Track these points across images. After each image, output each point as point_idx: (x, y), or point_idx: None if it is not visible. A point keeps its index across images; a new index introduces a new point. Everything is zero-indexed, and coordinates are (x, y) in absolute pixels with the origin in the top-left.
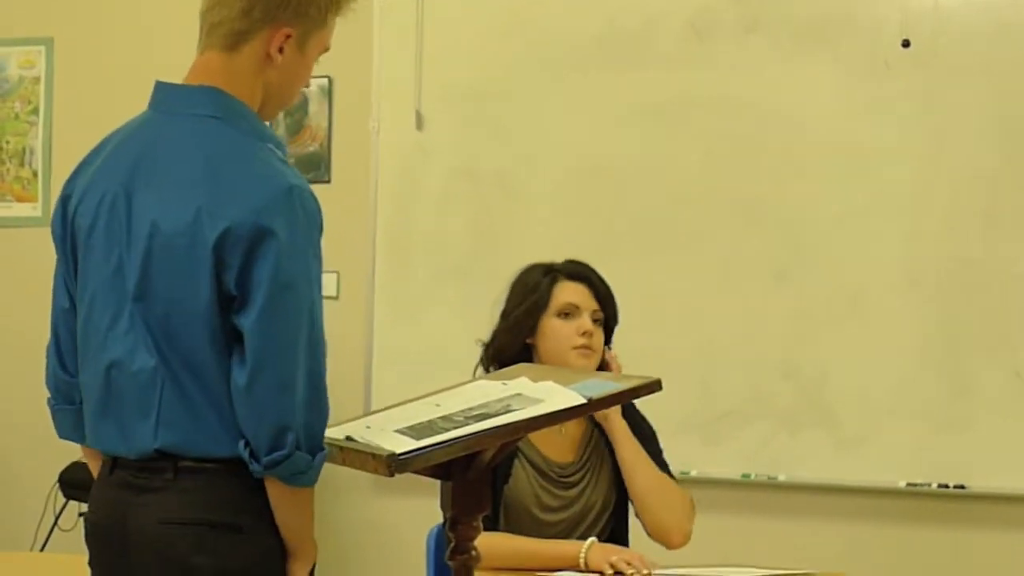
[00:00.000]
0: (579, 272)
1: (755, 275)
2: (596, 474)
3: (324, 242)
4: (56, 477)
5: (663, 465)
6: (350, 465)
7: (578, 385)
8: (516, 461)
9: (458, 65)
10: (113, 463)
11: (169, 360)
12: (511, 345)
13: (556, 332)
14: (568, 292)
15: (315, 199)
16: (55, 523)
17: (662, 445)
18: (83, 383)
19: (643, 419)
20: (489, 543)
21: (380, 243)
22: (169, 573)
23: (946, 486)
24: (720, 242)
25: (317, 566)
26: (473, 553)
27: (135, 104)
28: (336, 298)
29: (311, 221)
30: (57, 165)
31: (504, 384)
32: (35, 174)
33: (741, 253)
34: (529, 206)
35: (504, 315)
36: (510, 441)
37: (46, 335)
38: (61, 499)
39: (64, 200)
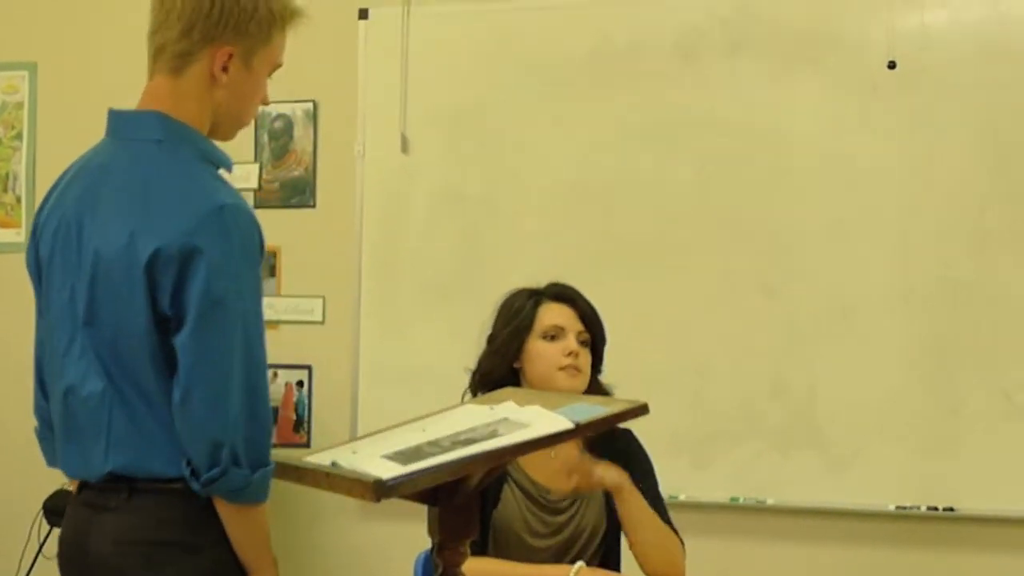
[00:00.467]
0: (563, 294)
1: (744, 294)
2: (587, 499)
3: (311, 266)
4: (40, 504)
5: (661, 507)
6: (336, 491)
7: (565, 409)
8: (505, 486)
9: (443, 88)
10: (82, 484)
11: (118, 383)
12: (497, 369)
13: (542, 354)
14: (552, 314)
15: (252, 217)
16: (39, 550)
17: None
18: (51, 409)
19: (643, 454)
20: (476, 568)
21: (366, 267)
22: None
23: (935, 509)
24: (708, 261)
25: None
26: None
27: None
28: (322, 323)
29: (245, 238)
30: (40, 190)
31: (491, 408)
32: (18, 199)
33: (729, 272)
34: (515, 228)
35: (490, 339)
36: (497, 466)
37: (28, 361)
38: (45, 526)
39: (34, 232)
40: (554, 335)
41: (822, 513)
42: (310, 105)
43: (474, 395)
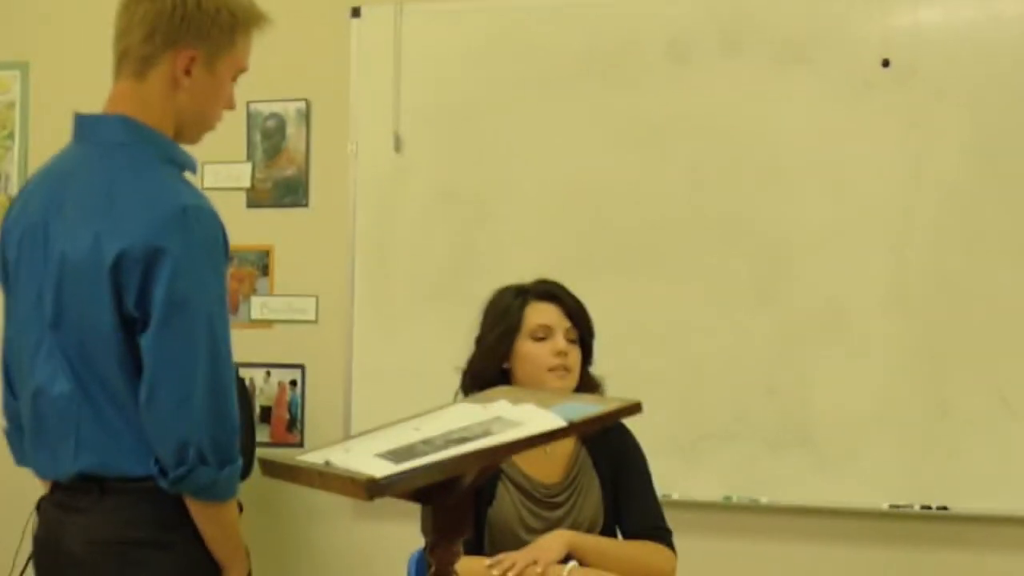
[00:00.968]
0: (549, 292)
1: (737, 295)
2: (583, 495)
3: (304, 265)
4: (34, 505)
5: (654, 502)
6: (330, 489)
7: (558, 407)
8: (500, 483)
9: (436, 87)
10: (54, 484)
11: (86, 384)
12: (487, 370)
13: (530, 355)
14: (539, 314)
15: (215, 218)
16: (33, 551)
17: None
18: (21, 411)
19: (638, 449)
20: (468, 567)
21: (359, 266)
22: None
23: (929, 508)
24: (701, 261)
25: None
26: None
27: None
28: (315, 322)
29: (208, 238)
30: None
31: (484, 407)
32: (10, 199)
33: (722, 272)
34: (509, 227)
35: (479, 341)
36: (491, 465)
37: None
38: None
39: (3, 235)
40: (543, 335)
41: (816, 512)
42: (303, 104)
43: (465, 395)
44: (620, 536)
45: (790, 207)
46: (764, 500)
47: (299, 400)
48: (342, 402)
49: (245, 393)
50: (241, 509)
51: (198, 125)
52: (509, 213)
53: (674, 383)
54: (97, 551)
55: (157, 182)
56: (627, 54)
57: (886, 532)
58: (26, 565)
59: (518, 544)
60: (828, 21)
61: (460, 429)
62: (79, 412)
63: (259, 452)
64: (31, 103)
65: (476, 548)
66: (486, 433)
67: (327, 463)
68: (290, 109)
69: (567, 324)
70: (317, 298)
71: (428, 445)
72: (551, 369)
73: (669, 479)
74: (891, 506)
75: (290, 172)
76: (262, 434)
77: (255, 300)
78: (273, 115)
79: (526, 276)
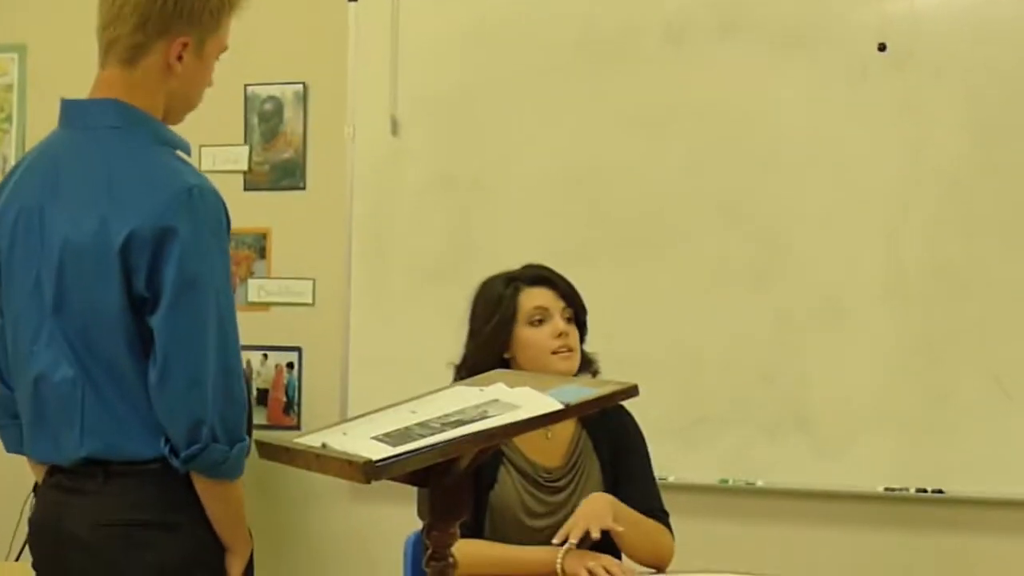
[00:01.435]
0: (539, 276)
1: (735, 280)
2: (584, 479)
3: (300, 248)
4: (30, 488)
5: (652, 484)
6: (327, 472)
7: (555, 391)
8: (502, 466)
9: (433, 70)
10: (53, 469)
11: (90, 369)
12: (486, 362)
13: (531, 341)
14: (534, 298)
15: (218, 197)
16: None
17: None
18: (17, 398)
19: (637, 431)
20: (466, 550)
21: (356, 249)
22: (104, 573)
23: (924, 491)
24: (699, 246)
25: (294, 571)
26: (450, 560)
27: None
28: (312, 305)
29: (213, 218)
30: None
31: (481, 390)
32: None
33: (721, 258)
34: (506, 211)
35: (473, 334)
36: (487, 447)
37: None
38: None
39: None
40: (540, 318)
41: (812, 495)
42: (300, 87)
43: None
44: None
45: (787, 192)
46: (760, 483)
47: (296, 383)
48: (339, 385)
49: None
50: None
51: (184, 107)
52: (506, 197)
53: (672, 367)
54: (103, 533)
55: (158, 163)
56: (624, 38)
57: (882, 515)
58: (23, 548)
59: (519, 528)
60: (824, 5)
61: (457, 412)
62: (83, 397)
63: (256, 434)
64: (28, 85)
65: (475, 531)
66: (483, 416)
67: (324, 445)
68: (287, 92)
69: (562, 305)
70: (314, 281)
71: (425, 428)
72: (555, 352)
73: (666, 462)
74: (887, 489)
75: (287, 155)
76: (259, 416)
77: (252, 283)
78: (271, 98)
79: (524, 260)
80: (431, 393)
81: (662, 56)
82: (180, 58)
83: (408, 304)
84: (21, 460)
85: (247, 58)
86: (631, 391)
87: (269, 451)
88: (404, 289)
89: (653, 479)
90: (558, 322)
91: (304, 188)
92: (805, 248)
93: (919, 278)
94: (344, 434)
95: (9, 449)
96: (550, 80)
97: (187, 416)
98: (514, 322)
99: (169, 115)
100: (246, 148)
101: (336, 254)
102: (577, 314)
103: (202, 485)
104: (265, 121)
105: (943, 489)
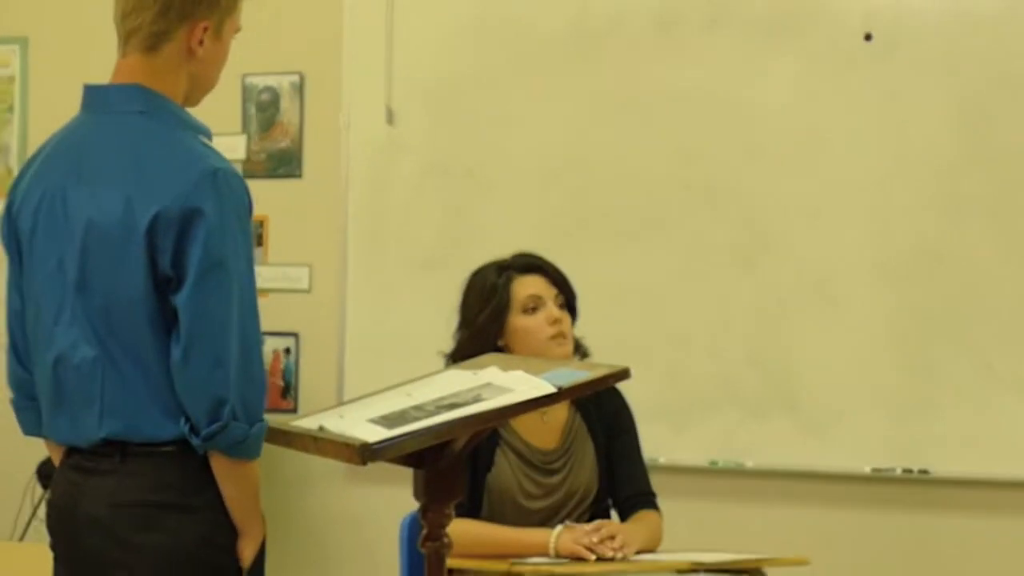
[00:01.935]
0: (531, 264)
1: (722, 265)
2: (579, 460)
3: (298, 235)
4: (34, 469)
5: (640, 463)
6: (324, 454)
7: (548, 374)
8: (498, 449)
9: (427, 60)
10: (70, 450)
11: (110, 350)
12: (480, 351)
13: (527, 328)
14: (527, 286)
15: (242, 181)
16: (33, 513)
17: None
18: (36, 379)
19: (628, 412)
20: (462, 530)
21: (352, 236)
22: (120, 553)
23: (910, 471)
24: (688, 232)
25: (291, 552)
26: (445, 540)
27: None
28: (308, 291)
29: (238, 201)
30: None
31: (475, 374)
32: (10, 171)
33: (709, 243)
34: (499, 198)
35: (466, 323)
36: (482, 430)
37: None
38: (39, 491)
39: (8, 206)
40: (534, 306)
41: (800, 476)
42: (296, 77)
43: None
44: (610, 501)
45: (774, 178)
46: (749, 464)
47: (293, 367)
48: (335, 369)
49: None
50: None
51: (205, 88)
52: (499, 184)
53: (661, 351)
54: (120, 513)
55: (184, 146)
56: (614, 28)
57: (869, 495)
58: (26, 528)
59: (516, 509)
60: None
61: (451, 395)
62: (103, 377)
63: None
64: (30, 77)
65: (473, 513)
66: (477, 399)
67: (321, 428)
68: (284, 82)
69: (554, 291)
70: (310, 267)
71: (420, 411)
72: (551, 338)
73: (656, 445)
74: (873, 470)
75: (284, 144)
76: None
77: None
78: (267, 88)
79: (515, 246)
80: (426, 377)
81: (652, 46)
82: (201, 42)
83: (403, 290)
84: (24, 442)
85: (244, 49)
86: (623, 374)
87: (268, 434)
88: (399, 275)
89: (642, 461)
90: (552, 309)
91: (300, 176)
92: (791, 233)
93: (903, 262)
94: (341, 417)
95: (27, 431)
96: (542, 69)
97: (209, 395)
98: (508, 311)
99: (190, 97)
100: (244, 137)
101: (332, 241)
102: (568, 300)
103: (220, 465)
104: (262, 111)
105: (929, 469)
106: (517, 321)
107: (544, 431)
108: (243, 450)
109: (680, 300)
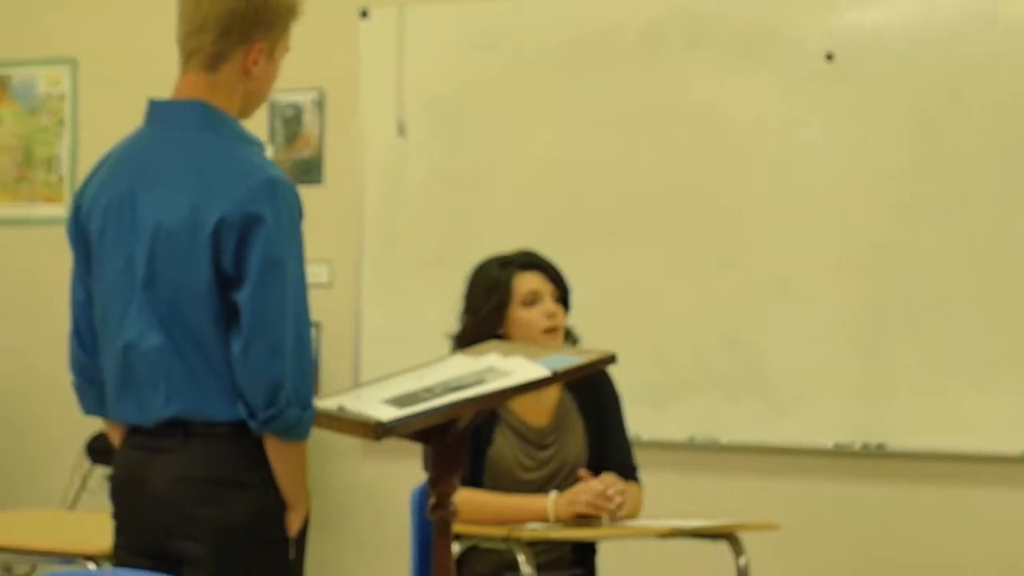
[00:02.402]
0: (531, 261)
1: (702, 262)
2: (569, 435)
3: (318, 235)
4: (83, 444)
5: (624, 438)
6: (342, 431)
7: (544, 359)
8: (497, 427)
9: (435, 79)
10: (134, 429)
11: (175, 339)
12: (482, 337)
13: (525, 320)
14: (527, 282)
15: (294, 189)
16: (82, 485)
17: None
18: (104, 364)
19: (614, 391)
20: (466, 498)
21: (367, 236)
22: (181, 524)
23: (868, 446)
24: (670, 232)
25: (312, 520)
26: (452, 509)
27: None
28: (329, 285)
29: (292, 207)
30: (82, 172)
31: (477, 359)
32: (61, 179)
33: (689, 242)
34: (500, 202)
35: (471, 312)
36: (484, 409)
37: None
38: (87, 464)
39: (76, 209)
40: (533, 300)
41: (769, 450)
42: (317, 94)
43: None
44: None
45: (747, 184)
46: (724, 440)
47: (314, 355)
48: (352, 356)
49: None
50: None
51: (258, 103)
52: (500, 189)
53: (646, 337)
54: (183, 487)
55: (244, 158)
56: (603, 47)
57: (832, 467)
58: (76, 497)
59: (514, 481)
60: (777, 19)
61: (457, 378)
62: (169, 363)
63: None
64: (79, 94)
65: (475, 484)
66: (479, 382)
67: (340, 408)
68: (306, 99)
69: (551, 287)
70: (330, 264)
71: (429, 392)
72: (545, 330)
73: (640, 422)
74: (836, 445)
75: (307, 154)
76: None
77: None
78: (291, 104)
79: (515, 245)
80: (435, 361)
81: (637, 63)
82: (256, 62)
83: (414, 285)
84: (73, 421)
85: None
86: (610, 359)
87: None
88: (410, 271)
89: (627, 436)
90: (549, 304)
91: (321, 183)
92: (763, 232)
93: (862, 259)
94: (358, 397)
95: (87, 411)
96: (538, 85)
97: (267, 382)
98: (509, 303)
99: (244, 111)
100: (270, 148)
101: (350, 241)
102: (563, 295)
103: (273, 446)
104: (287, 124)
105: (885, 444)
106: (517, 313)
107: (538, 409)
108: (297, 432)
109: (664, 293)
